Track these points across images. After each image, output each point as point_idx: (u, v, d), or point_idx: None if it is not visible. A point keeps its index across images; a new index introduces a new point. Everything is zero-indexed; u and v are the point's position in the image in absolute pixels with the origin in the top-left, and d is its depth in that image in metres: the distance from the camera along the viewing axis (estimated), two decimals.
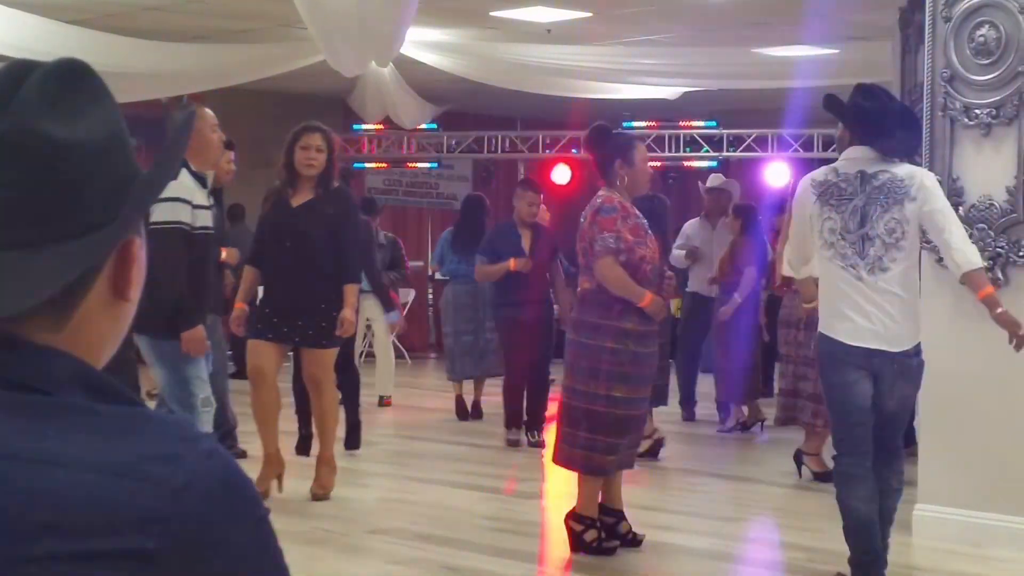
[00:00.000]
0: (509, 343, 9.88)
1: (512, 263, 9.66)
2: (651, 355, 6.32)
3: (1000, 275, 6.38)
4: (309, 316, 7.26)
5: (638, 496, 7.24)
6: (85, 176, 1.20)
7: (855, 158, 5.46)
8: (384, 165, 17.85)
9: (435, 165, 17.81)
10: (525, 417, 9.84)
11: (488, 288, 10.35)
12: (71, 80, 1.22)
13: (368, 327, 12.03)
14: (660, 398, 9.10)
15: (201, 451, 1.16)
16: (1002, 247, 6.37)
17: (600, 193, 6.45)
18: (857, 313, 5.37)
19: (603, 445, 6.22)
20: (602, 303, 6.23)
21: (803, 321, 8.07)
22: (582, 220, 6.40)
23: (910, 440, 7.69)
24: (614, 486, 6.49)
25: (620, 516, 6.48)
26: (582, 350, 6.27)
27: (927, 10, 6.63)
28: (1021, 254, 6.34)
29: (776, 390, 9.35)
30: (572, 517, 6.39)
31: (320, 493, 7.52)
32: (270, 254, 7.38)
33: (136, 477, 1.12)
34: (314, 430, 7.97)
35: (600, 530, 6.35)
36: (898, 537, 6.61)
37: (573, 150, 16.83)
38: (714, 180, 11.84)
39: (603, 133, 6.66)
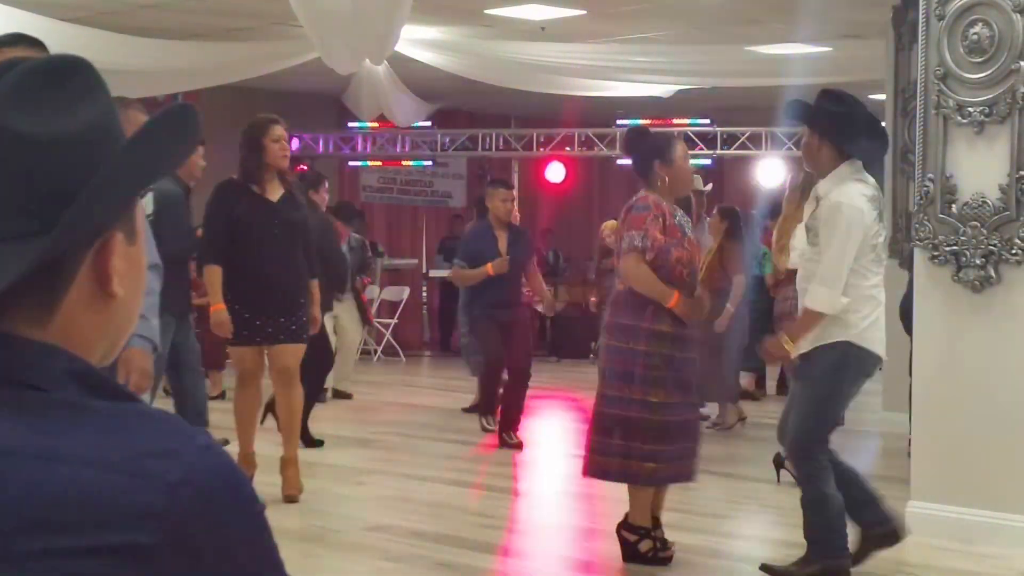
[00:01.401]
0: (487, 346, 9.85)
1: (489, 268, 9.55)
2: (688, 359, 6.07)
3: (992, 273, 6.39)
4: (292, 312, 7.21)
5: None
6: (54, 172, 1.17)
7: (861, 169, 5.64)
8: (378, 163, 17.86)
9: (428, 163, 17.84)
10: (499, 416, 9.81)
11: (461, 291, 10.53)
12: (57, 76, 1.20)
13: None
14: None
15: (197, 446, 1.16)
16: (995, 245, 6.38)
17: (639, 193, 6.24)
18: (882, 321, 5.64)
19: (640, 452, 5.94)
20: (635, 305, 5.99)
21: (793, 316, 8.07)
22: (619, 222, 6.29)
23: None
24: (657, 496, 6.24)
25: (654, 525, 6.22)
26: (615, 354, 6.04)
27: (920, 8, 6.64)
28: (1014, 252, 6.36)
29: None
30: (624, 527, 6.12)
31: (294, 494, 7.35)
32: (247, 251, 7.17)
33: (132, 472, 1.12)
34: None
35: (656, 540, 6.11)
36: None
37: (567, 148, 16.85)
38: (698, 183, 11.63)
39: (640, 134, 6.47)
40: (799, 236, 7.98)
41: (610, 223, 14.03)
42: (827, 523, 5.62)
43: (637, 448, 5.94)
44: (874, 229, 5.56)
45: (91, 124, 1.20)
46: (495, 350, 9.73)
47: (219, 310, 7.13)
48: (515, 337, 9.65)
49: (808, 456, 5.65)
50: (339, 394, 12.36)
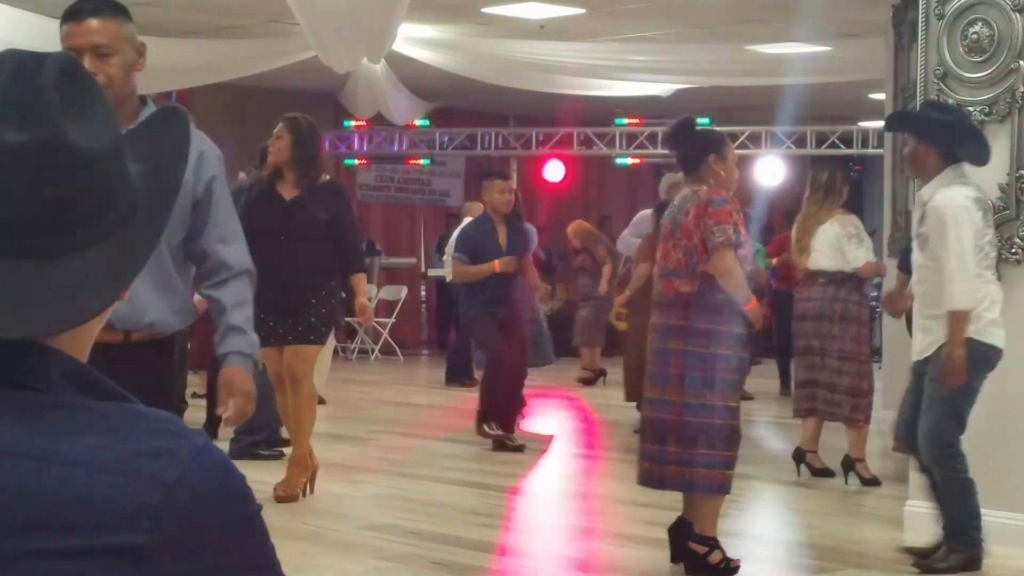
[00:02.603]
0: (490, 345, 9.54)
1: (497, 265, 9.23)
2: (748, 360, 5.98)
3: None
4: (300, 314, 7.19)
5: (630, 492, 7.23)
6: (103, 182, 1.20)
7: (964, 173, 5.84)
8: (374, 162, 17.84)
9: (427, 162, 17.81)
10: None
11: (459, 287, 10.15)
12: (79, 81, 1.22)
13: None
14: None
15: (193, 447, 1.16)
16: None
17: (689, 189, 5.88)
18: (998, 316, 5.88)
19: (721, 460, 5.70)
20: (712, 307, 5.67)
21: (837, 314, 7.99)
22: (678, 218, 5.82)
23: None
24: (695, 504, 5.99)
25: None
26: (692, 360, 5.67)
27: (920, 7, 6.63)
28: (1014, 251, 6.34)
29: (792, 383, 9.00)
30: (694, 539, 5.78)
31: (283, 495, 7.25)
32: (261, 250, 7.22)
33: (128, 473, 1.12)
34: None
35: (724, 551, 5.81)
36: (889, 533, 6.63)
37: (566, 147, 16.84)
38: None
39: (693, 126, 6.13)
40: (821, 237, 7.97)
41: (576, 224, 14.26)
42: (969, 511, 5.84)
43: (719, 457, 5.71)
44: (981, 228, 5.77)
45: (113, 127, 1.24)
46: (500, 348, 9.42)
47: None
48: (513, 334, 9.42)
49: (948, 449, 5.80)
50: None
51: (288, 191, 7.28)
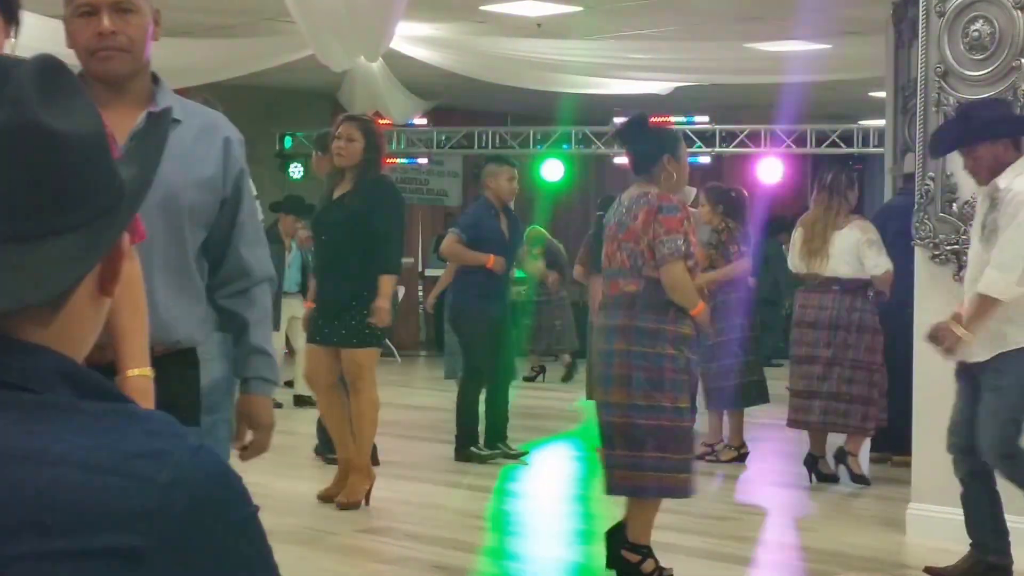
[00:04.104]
0: (482, 344, 8.81)
1: (491, 261, 8.68)
2: (697, 362, 5.78)
3: None
4: (342, 315, 7.13)
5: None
6: (83, 168, 1.19)
7: None
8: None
9: (424, 161, 17.82)
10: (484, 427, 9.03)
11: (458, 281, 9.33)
12: (56, 75, 1.22)
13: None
14: (762, 396, 8.99)
15: (189, 447, 1.15)
16: None
17: (639, 189, 5.70)
18: None
19: (673, 463, 5.52)
20: (658, 307, 5.54)
21: (855, 324, 7.91)
22: (624, 220, 5.65)
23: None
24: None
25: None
26: (639, 360, 5.52)
27: (921, 5, 6.60)
28: None
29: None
30: (626, 548, 5.63)
31: (345, 502, 7.22)
32: (315, 250, 7.46)
33: (123, 474, 1.11)
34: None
35: (656, 559, 5.68)
36: (891, 536, 6.61)
37: (563, 146, 16.82)
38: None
39: (646, 124, 5.89)
40: (839, 243, 7.87)
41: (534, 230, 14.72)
42: None
43: (670, 459, 5.54)
44: None
45: (96, 120, 1.23)
46: (487, 358, 8.85)
47: (307, 307, 7.69)
48: (503, 337, 8.96)
49: (1014, 458, 5.53)
50: (302, 400, 11.40)
51: (340, 191, 7.20)
